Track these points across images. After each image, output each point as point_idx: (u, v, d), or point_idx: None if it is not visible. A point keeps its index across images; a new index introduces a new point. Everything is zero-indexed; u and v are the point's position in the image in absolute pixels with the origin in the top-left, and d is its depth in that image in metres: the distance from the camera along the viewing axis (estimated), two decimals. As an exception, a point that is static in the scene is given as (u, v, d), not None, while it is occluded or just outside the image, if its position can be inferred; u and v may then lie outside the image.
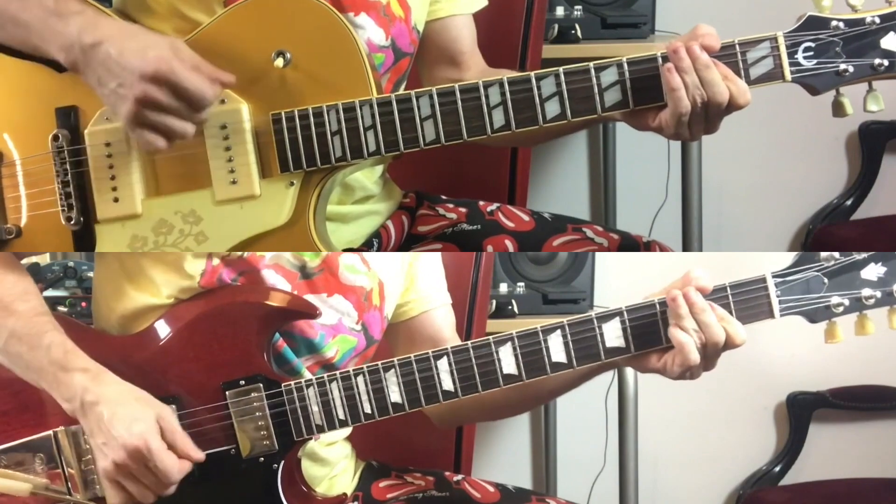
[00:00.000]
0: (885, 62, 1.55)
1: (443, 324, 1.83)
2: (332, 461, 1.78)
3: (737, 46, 1.56)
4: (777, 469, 3.39)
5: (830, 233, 3.52)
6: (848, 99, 1.57)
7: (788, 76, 1.56)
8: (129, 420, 1.49)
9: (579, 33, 3.05)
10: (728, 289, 1.52)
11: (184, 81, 1.50)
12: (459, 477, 1.84)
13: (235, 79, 1.56)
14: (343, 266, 1.69)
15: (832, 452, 3.42)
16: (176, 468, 1.51)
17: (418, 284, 1.82)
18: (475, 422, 1.84)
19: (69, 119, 1.64)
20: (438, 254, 1.88)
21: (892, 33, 1.55)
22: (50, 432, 1.60)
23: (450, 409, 1.75)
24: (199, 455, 1.54)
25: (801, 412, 3.36)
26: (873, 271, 1.51)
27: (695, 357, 1.49)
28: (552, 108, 1.58)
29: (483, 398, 1.64)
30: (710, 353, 1.51)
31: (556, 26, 3.06)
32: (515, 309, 2.88)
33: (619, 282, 3.22)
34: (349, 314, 1.70)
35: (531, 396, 1.71)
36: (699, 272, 1.52)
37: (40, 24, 1.55)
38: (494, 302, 2.86)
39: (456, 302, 1.89)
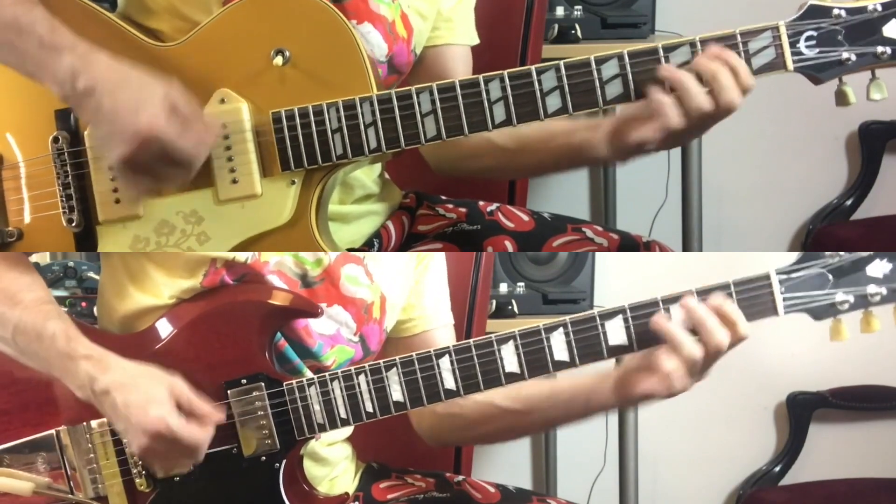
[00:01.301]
0: (888, 50, 1.54)
1: (442, 344, 1.82)
2: (333, 461, 1.78)
3: (738, 36, 1.55)
4: (777, 469, 3.40)
5: (830, 233, 3.52)
6: (851, 88, 1.57)
7: (791, 66, 1.56)
8: (143, 404, 1.49)
9: (579, 33, 3.05)
10: (732, 286, 1.51)
11: (173, 147, 1.49)
12: (460, 478, 1.84)
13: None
14: (345, 277, 1.69)
15: (832, 452, 3.43)
16: (201, 435, 1.52)
17: (423, 303, 1.82)
18: (468, 444, 1.83)
19: (69, 121, 1.63)
20: (444, 272, 1.87)
21: (893, 21, 1.54)
22: (52, 431, 1.60)
23: (448, 427, 1.76)
24: (220, 414, 1.55)
25: (801, 412, 3.37)
26: (879, 268, 1.50)
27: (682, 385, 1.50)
28: (553, 102, 1.58)
29: (481, 421, 1.69)
30: (710, 361, 1.51)
31: (556, 26, 3.06)
32: (515, 309, 2.88)
33: (619, 282, 3.22)
34: (348, 325, 1.70)
35: (529, 424, 1.72)
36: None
37: (34, 54, 1.52)
38: (494, 302, 2.86)
39: (456, 302, 1.89)
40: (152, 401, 1.50)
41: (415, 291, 1.81)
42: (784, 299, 1.51)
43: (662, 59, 1.55)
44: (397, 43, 1.78)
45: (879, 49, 1.55)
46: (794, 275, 1.51)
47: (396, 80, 1.82)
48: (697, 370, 1.51)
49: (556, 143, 1.76)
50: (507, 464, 3.39)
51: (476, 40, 1.94)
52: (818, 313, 1.52)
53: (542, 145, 1.77)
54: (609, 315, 1.53)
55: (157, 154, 1.50)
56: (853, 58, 1.55)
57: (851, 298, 1.51)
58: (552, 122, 1.76)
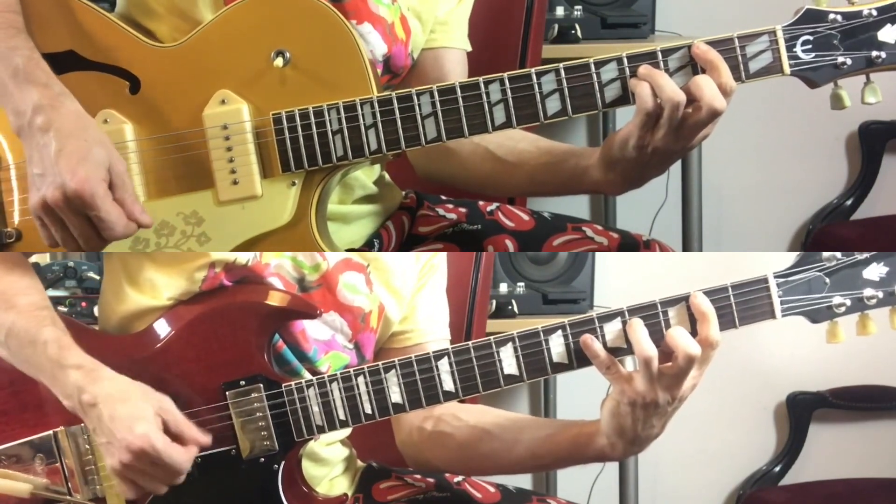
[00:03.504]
0: (883, 54, 1.55)
1: None
2: (331, 461, 1.78)
3: (736, 41, 1.56)
4: (777, 469, 3.40)
5: (830, 233, 3.52)
6: (846, 91, 1.58)
7: (787, 70, 1.56)
8: (129, 420, 1.49)
9: (579, 33, 3.05)
10: (730, 289, 1.51)
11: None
12: (460, 478, 1.83)
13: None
14: (342, 284, 1.69)
15: (832, 452, 3.43)
16: (184, 458, 1.51)
17: (418, 316, 1.81)
18: (447, 471, 1.82)
19: (68, 121, 1.63)
20: (444, 289, 1.87)
21: (888, 25, 1.55)
22: (50, 432, 1.60)
23: (433, 445, 1.76)
24: (206, 439, 1.54)
25: (801, 412, 3.37)
26: (875, 271, 1.51)
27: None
28: (553, 105, 1.58)
29: (467, 445, 1.70)
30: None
31: (556, 26, 3.06)
32: (515, 309, 2.88)
33: (619, 282, 3.22)
34: (343, 332, 1.70)
35: (513, 458, 1.71)
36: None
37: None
38: (494, 302, 2.86)
39: (456, 302, 1.89)
40: (139, 418, 1.49)
41: (412, 304, 1.81)
42: (781, 302, 1.51)
43: (661, 63, 1.56)
44: (396, 45, 1.78)
45: (874, 53, 1.56)
46: (791, 278, 1.52)
47: (389, 81, 1.82)
48: (665, 384, 1.51)
49: (551, 162, 1.76)
50: (507, 464, 3.38)
51: (469, 48, 1.94)
52: (815, 316, 1.52)
53: (536, 161, 1.78)
54: (607, 317, 1.53)
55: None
56: (848, 62, 1.56)
57: (848, 302, 1.51)
58: (552, 143, 1.78)
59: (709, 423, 3.32)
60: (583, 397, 1.68)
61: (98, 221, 1.50)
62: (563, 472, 3.34)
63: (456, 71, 1.88)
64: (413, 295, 1.80)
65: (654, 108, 1.54)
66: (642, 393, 1.50)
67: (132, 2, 1.72)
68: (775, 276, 1.52)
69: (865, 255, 1.51)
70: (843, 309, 1.52)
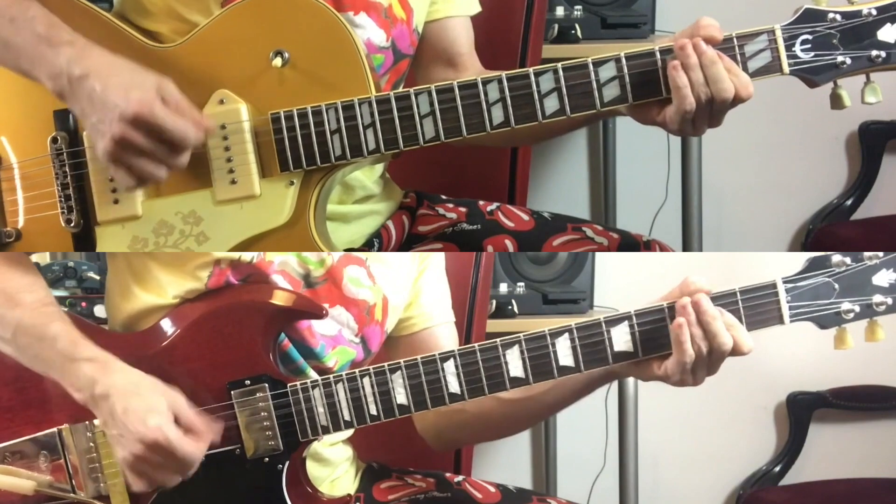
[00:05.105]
0: (883, 54, 1.55)
1: (445, 342, 1.82)
2: (334, 462, 1.78)
3: (735, 40, 1.56)
4: (777, 469, 3.40)
5: (830, 233, 3.52)
6: (846, 91, 1.57)
7: (786, 69, 1.56)
8: (143, 412, 1.49)
9: (579, 33, 3.05)
10: (738, 294, 1.51)
11: (164, 125, 1.49)
12: (460, 478, 1.84)
13: (214, 127, 1.56)
14: (347, 278, 1.69)
15: (832, 452, 3.42)
16: (196, 450, 1.51)
17: (422, 300, 1.82)
18: (473, 443, 1.81)
19: (67, 121, 1.63)
20: (443, 270, 1.87)
21: (888, 25, 1.55)
22: (55, 429, 1.60)
23: (450, 424, 1.76)
24: (216, 434, 1.55)
25: (801, 412, 3.37)
26: (885, 277, 1.50)
27: (689, 355, 1.49)
28: (551, 104, 1.58)
29: (481, 415, 1.68)
30: (715, 360, 1.50)
31: (556, 26, 3.06)
32: (515, 309, 2.88)
33: (619, 282, 3.21)
34: (349, 326, 1.70)
35: (529, 412, 1.71)
36: (696, 276, 1.52)
37: (31, 49, 1.54)
38: (494, 302, 2.85)
39: (456, 302, 1.89)
40: (152, 410, 1.49)
41: (414, 290, 1.81)
42: (790, 308, 1.51)
43: (659, 61, 1.56)
44: (396, 26, 1.78)
45: (874, 53, 1.55)
46: (800, 283, 1.51)
47: (409, 65, 1.83)
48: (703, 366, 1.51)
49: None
50: (507, 463, 3.39)
51: (477, 7, 1.94)
52: (824, 322, 1.52)
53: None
54: (615, 321, 1.53)
55: (146, 134, 1.49)
56: (848, 61, 1.56)
57: (857, 308, 1.51)
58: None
59: (709, 424, 3.32)
60: (583, 401, 1.68)
61: (168, 135, 1.50)
62: (562, 472, 3.35)
63: (462, 37, 1.90)
64: (414, 281, 1.80)
65: (696, 104, 1.54)
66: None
67: (128, 3, 1.72)
68: (784, 282, 1.51)
69: (875, 260, 1.50)
70: (851, 315, 1.51)
